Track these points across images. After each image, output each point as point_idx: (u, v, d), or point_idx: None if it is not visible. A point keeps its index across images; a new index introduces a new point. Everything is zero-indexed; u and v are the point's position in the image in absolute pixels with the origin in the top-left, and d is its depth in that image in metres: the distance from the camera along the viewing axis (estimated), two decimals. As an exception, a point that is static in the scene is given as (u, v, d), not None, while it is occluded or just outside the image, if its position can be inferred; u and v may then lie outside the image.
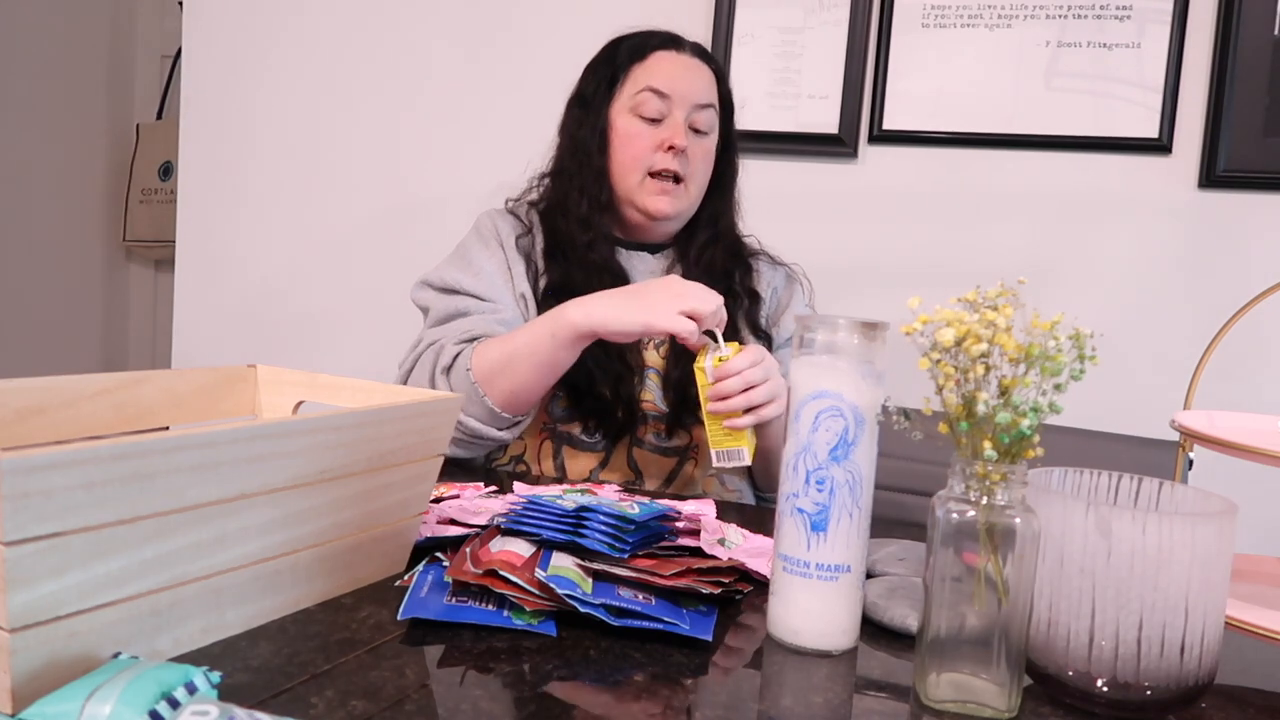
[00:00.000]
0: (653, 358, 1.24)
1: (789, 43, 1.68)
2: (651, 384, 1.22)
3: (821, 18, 1.66)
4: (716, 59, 1.31)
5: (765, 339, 1.27)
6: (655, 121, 1.22)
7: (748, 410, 1.03)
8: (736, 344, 1.06)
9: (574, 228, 1.23)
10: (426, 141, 1.93)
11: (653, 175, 1.22)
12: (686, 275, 1.22)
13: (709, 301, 1.01)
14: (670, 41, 1.27)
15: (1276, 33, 1.48)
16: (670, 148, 1.20)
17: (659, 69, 1.23)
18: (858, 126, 1.66)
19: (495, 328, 1.19)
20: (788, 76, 1.68)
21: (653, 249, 1.30)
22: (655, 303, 1.01)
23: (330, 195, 2.01)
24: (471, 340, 1.17)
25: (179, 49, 2.15)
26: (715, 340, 1.03)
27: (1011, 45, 1.59)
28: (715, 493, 1.23)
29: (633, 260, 1.28)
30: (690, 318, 1.01)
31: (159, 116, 3.15)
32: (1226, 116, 1.49)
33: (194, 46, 2.09)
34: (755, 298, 1.29)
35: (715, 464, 1.05)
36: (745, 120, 1.70)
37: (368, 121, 1.97)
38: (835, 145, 1.67)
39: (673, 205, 1.23)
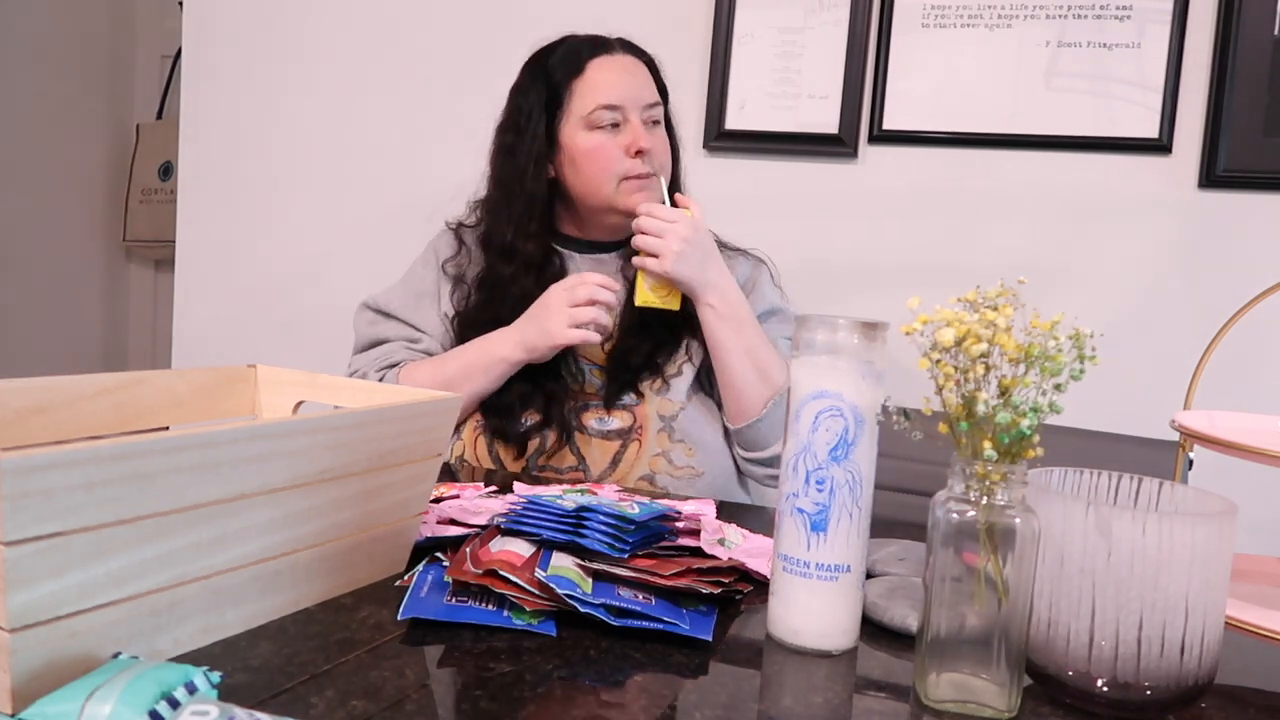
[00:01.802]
0: (596, 352, 1.27)
1: (789, 43, 1.68)
2: (593, 378, 1.26)
3: (821, 18, 1.66)
4: (645, 49, 1.33)
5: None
6: (613, 127, 1.25)
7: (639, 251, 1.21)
8: (686, 210, 1.24)
9: (497, 261, 1.28)
10: (427, 140, 1.93)
11: (625, 180, 1.25)
12: None
13: (590, 296, 1.17)
14: (600, 46, 1.28)
15: (1276, 33, 1.48)
16: (638, 152, 1.24)
17: (601, 81, 1.25)
18: (858, 126, 1.66)
19: (414, 356, 1.28)
20: (788, 76, 1.68)
21: (608, 247, 1.33)
22: (552, 326, 1.17)
23: (330, 195, 2.01)
24: (391, 366, 1.26)
25: (179, 49, 2.15)
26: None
27: (1011, 45, 1.59)
28: (663, 471, 1.21)
29: (593, 265, 1.32)
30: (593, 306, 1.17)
31: (159, 116, 3.15)
32: (1226, 116, 1.49)
33: (194, 46, 2.09)
34: None
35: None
36: (745, 120, 1.71)
37: (368, 121, 1.97)
38: (835, 145, 1.67)
39: (651, 199, 1.26)
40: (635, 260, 1.22)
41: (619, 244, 1.32)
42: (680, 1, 1.73)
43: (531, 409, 1.22)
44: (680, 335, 1.27)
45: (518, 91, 1.31)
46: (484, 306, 1.28)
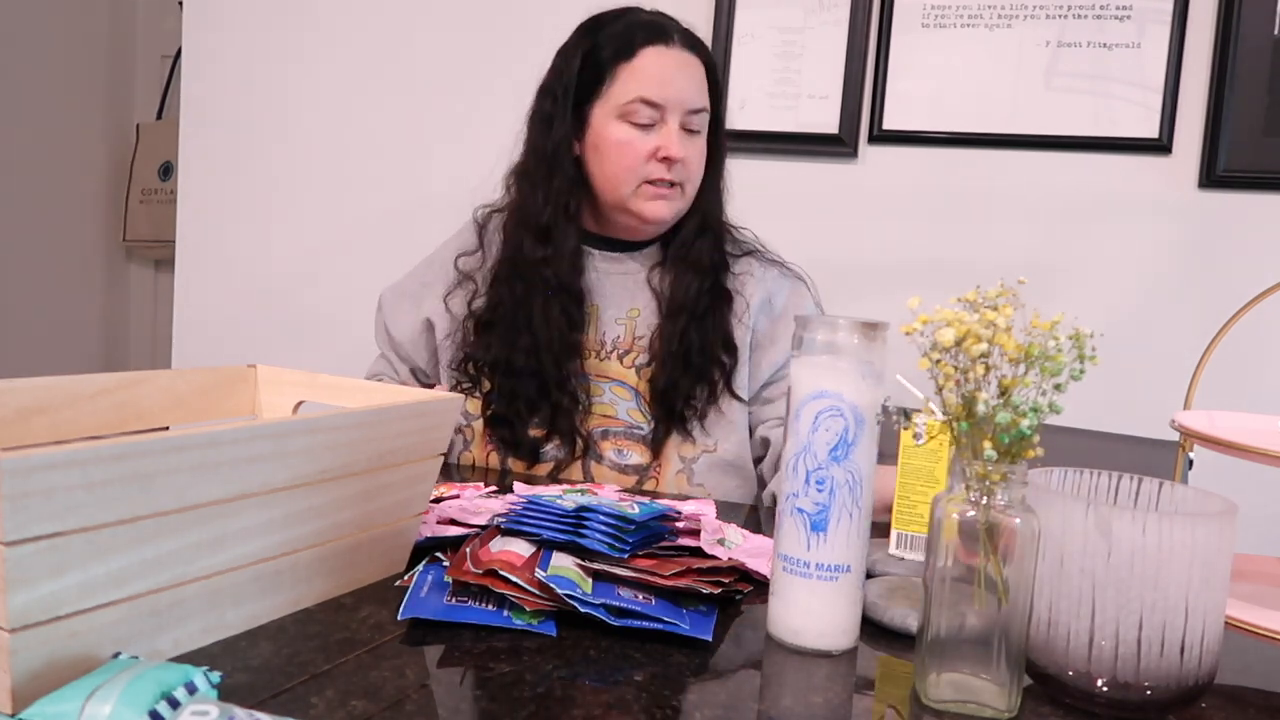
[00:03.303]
0: (616, 369, 1.19)
1: (789, 43, 1.68)
2: (615, 396, 1.18)
3: (821, 18, 1.66)
4: (707, 48, 1.22)
5: (732, 352, 1.19)
6: (647, 126, 1.15)
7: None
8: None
9: (528, 239, 1.17)
10: (427, 139, 1.93)
11: (648, 183, 1.15)
12: (673, 272, 1.19)
13: None
14: (659, 34, 1.16)
15: (1276, 33, 1.48)
16: (666, 159, 1.14)
17: (649, 72, 1.14)
18: (858, 126, 1.66)
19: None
20: (788, 76, 1.68)
21: (634, 247, 1.24)
22: None
23: (330, 194, 2.01)
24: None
25: (179, 49, 2.15)
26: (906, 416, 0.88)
27: (1011, 45, 1.59)
28: None
29: (610, 265, 1.23)
30: None
31: (159, 116, 3.14)
32: (1226, 116, 1.49)
33: (194, 46, 2.09)
34: (729, 297, 1.21)
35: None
36: (745, 120, 1.71)
37: (368, 120, 1.97)
38: (835, 145, 1.67)
39: (671, 209, 1.17)
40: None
41: (639, 245, 1.23)
42: (680, 1, 1.73)
43: (536, 420, 1.16)
44: (709, 372, 1.17)
45: (565, 55, 1.20)
46: (516, 296, 1.18)
